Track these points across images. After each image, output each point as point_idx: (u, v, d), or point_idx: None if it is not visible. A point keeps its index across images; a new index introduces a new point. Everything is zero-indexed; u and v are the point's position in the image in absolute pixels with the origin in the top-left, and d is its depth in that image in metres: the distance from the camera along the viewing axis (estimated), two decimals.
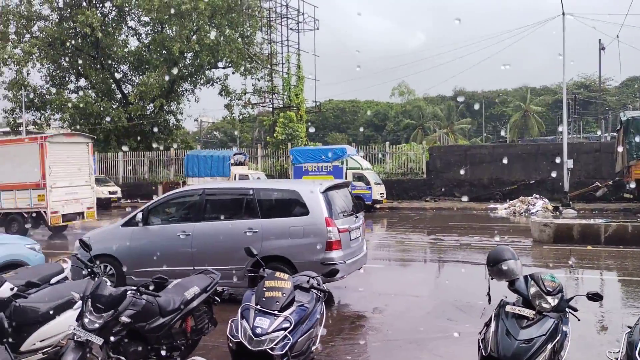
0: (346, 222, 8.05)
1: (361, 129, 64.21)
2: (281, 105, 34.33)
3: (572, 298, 4.10)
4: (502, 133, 62.89)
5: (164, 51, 34.02)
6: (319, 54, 34.55)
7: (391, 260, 11.80)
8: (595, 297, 4.07)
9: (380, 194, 24.46)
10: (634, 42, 35.98)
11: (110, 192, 27.52)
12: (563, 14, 23.51)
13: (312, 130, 39.72)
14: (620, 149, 20.97)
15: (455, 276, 10.39)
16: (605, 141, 33.51)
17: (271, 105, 35.25)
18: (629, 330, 3.97)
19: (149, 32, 37.58)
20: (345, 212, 8.29)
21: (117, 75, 37.43)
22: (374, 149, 32.06)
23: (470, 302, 7.56)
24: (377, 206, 24.51)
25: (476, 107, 61.21)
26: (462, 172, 27.28)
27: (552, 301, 3.91)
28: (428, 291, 8.99)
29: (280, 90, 34.61)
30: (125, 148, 32.69)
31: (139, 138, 35.40)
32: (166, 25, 35.11)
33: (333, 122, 69.74)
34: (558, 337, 3.86)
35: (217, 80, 37.85)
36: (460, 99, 60.25)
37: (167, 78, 33.45)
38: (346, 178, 23.20)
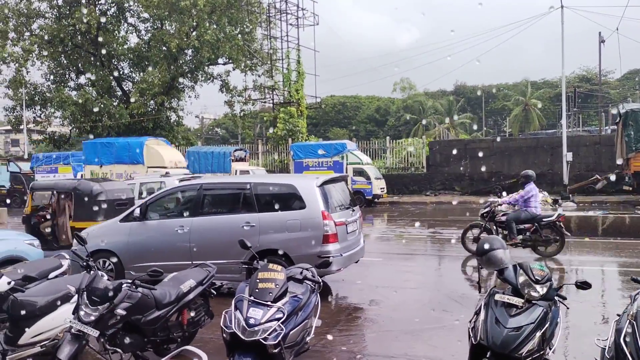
0: (343, 215, 8.10)
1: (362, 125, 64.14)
2: (282, 101, 34.35)
3: (561, 287, 4.14)
4: (504, 127, 62.86)
5: (163, 48, 34.04)
6: (318, 49, 34.57)
7: (389, 254, 11.85)
8: (584, 285, 4.11)
9: (381, 188, 24.51)
10: (633, 35, 35.91)
11: None
12: (562, 6, 23.51)
13: (312, 126, 39.72)
14: (619, 141, 20.97)
15: (452, 268, 10.45)
16: (605, 134, 33.49)
17: (272, 102, 35.28)
18: (618, 317, 4.02)
19: (149, 28, 37.60)
20: (342, 205, 8.35)
21: (117, 73, 37.51)
22: (375, 144, 32.09)
23: (465, 293, 7.63)
24: (378, 201, 24.56)
25: (477, 101, 61.13)
26: (461, 166, 27.31)
27: (541, 290, 3.95)
28: (425, 284, 9.05)
29: (281, 86, 34.62)
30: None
31: (140, 135, 35.44)
32: (166, 22, 35.10)
33: (334, 117, 69.69)
34: (547, 325, 3.89)
35: (218, 77, 37.88)
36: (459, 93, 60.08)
37: (167, 75, 33.49)
38: (346, 173, 23.25)
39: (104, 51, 34.32)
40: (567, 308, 4.27)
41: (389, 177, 27.75)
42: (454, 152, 28.56)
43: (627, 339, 3.51)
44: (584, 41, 63.96)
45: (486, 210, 10.77)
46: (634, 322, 3.54)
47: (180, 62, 35.27)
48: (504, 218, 10.52)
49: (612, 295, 8.05)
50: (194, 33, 33.60)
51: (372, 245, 12.38)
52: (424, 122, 56.48)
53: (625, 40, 63.25)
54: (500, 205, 10.75)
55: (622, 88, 63.37)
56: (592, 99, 57.43)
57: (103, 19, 34.00)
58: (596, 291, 7.99)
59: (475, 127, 62.61)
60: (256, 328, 4.03)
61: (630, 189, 20.66)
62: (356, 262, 8.49)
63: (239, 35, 34.98)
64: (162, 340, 5.04)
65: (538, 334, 3.80)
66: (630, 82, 64.07)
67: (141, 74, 36.38)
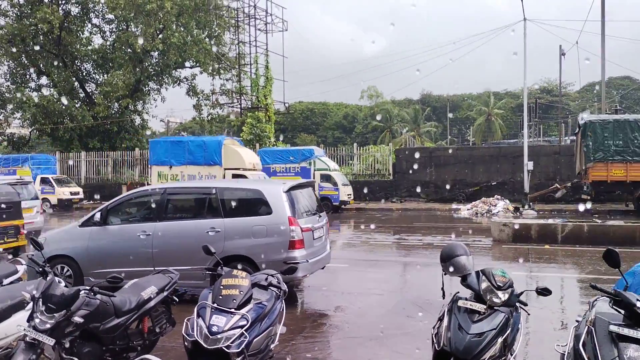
0: (309, 221, 8.07)
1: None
2: (250, 106, 34.17)
3: (522, 293, 4.20)
4: (467, 136, 64.07)
5: (129, 49, 33.48)
6: (287, 55, 34.48)
7: (355, 260, 11.88)
8: (544, 291, 4.18)
9: (348, 194, 24.60)
10: (592, 49, 37.11)
11: (71, 193, 26.96)
12: (524, 19, 24.12)
13: (280, 132, 39.66)
14: (578, 151, 21.60)
15: (417, 275, 10.55)
16: (565, 144, 34.48)
17: (239, 106, 35.06)
18: (577, 323, 4.10)
19: (114, 30, 36.96)
20: (308, 211, 8.32)
21: (80, 74, 36.70)
22: (342, 150, 32.22)
23: (430, 299, 7.68)
24: (345, 207, 24.63)
25: (442, 110, 62.12)
26: (426, 174, 27.69)
27: (503, 296, 4.00)
28: (390, 290, 9.09)
29: (249, 91, 34.46)
30: (96, 146, 31.91)
31: (103, 138, 34.76)
32: (131, 23, 34.56)
33: (302, 123, 69.73)
34: (508, 331, 3.94)
35: (185, 80, 37.47)
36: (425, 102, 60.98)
37: (132, 78, 32.92)
38: (313, 179, 23.25)
39: (67, 50, 33.55)
40: (528, 314, 4.35)
41: (356, 183, 27.89)
42: (420, 159, 28.93)
43: (586, 345, 3.58)
44: (546, 54, 65.92)
45: None
46: (592, 328, 3.60)
47: (146, 64, 34.74)
48: None
49: (572, 301, 8.26)
50: (160, 36, 33.17)
51: (338, 252, 12.39)
52: (391, 129, 57.01)
53: (584, 53, 65.58)
54: None
55: (581, 100, 65.49)
56: (552, 110, 59.14)
57: (66, 20, 33.24)
58: (556, 297, 8.17)
59: (440, 135, 63.65)
60: (219, 336, 3.96)
61: (589, 197, 21.28)
62: (322, 269, 8.47)
63: (207, 39, 34.71)
64: (121, 349, 4.89)
65: (500, 339, 3.84)
66: (589, 94, 66.26)
67: (105, 75, 35.71)
